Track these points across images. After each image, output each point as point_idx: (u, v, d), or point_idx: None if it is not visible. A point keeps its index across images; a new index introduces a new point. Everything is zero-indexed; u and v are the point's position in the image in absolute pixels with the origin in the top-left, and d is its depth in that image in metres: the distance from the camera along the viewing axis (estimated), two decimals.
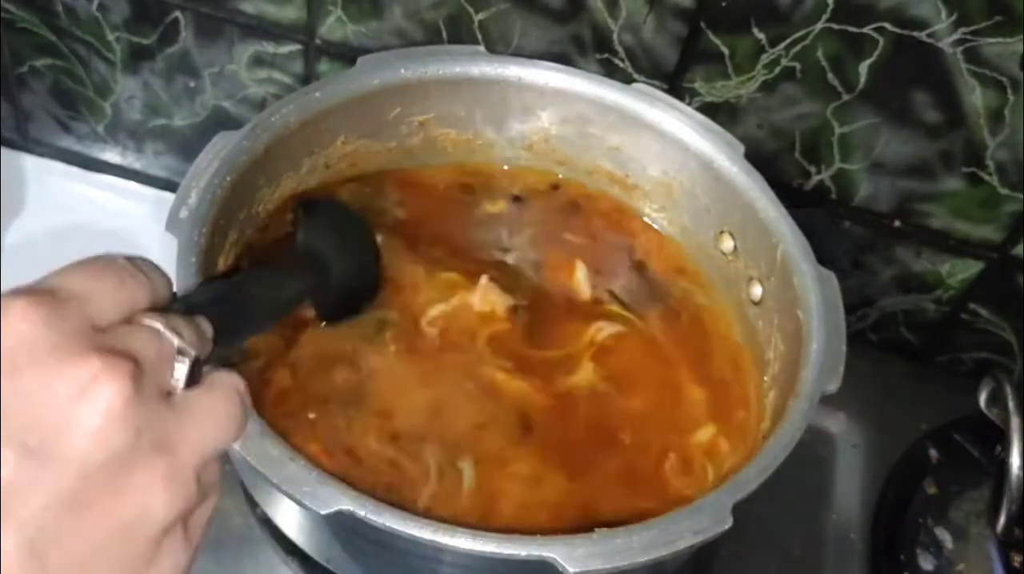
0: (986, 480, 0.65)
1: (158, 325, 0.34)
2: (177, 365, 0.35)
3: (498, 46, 0.68)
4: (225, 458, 0.37)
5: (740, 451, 0.56)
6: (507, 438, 0.55)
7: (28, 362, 0.30)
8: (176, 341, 0.35)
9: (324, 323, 0.57)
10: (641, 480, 0.55)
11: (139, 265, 0.36)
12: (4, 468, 0.29)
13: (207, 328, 0.38)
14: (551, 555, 0.44)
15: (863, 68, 0.63)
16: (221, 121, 0.77)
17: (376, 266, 0.60)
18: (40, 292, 0.32)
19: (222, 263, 0.56)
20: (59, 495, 0.29)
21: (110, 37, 0.74)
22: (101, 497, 0.30)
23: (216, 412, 0.35)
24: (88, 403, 0.30)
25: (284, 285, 0.51)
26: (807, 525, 0.67)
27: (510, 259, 0.64)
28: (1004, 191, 0.66)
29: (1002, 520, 0.62)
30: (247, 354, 0.55)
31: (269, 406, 0.53)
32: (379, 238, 0.61)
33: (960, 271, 0.71)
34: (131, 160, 0.83)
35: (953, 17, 0.59)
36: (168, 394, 0.34)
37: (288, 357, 0.56)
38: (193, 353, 0.35)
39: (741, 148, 0.61)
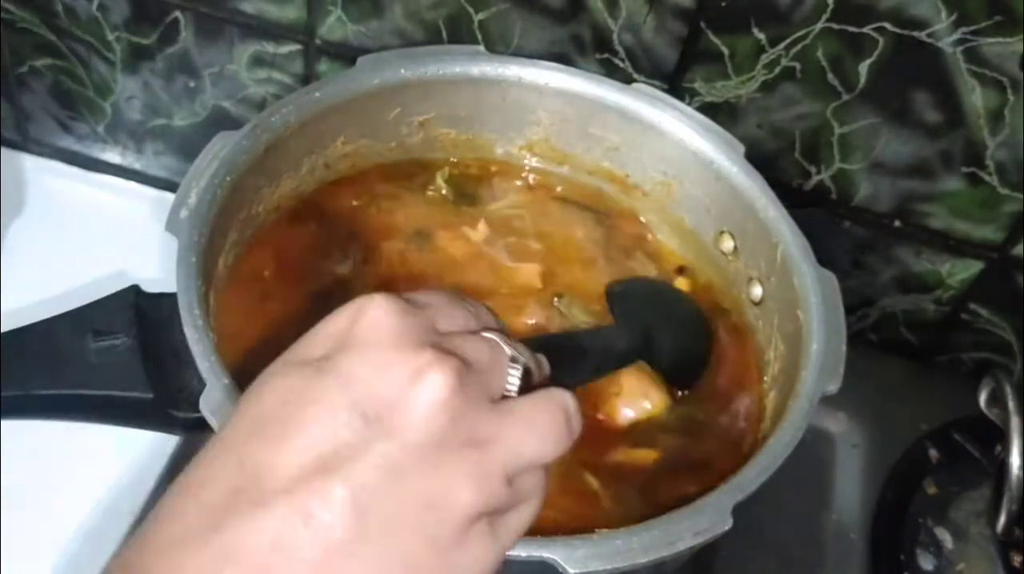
0: (986, 480, 0.65)
1: (495, 337, 0.38)
2: (509, 373, 0.38)
3: (498, 46, 0.67)
4: (547, 470, 0.38)
5: None
6: None
7: (376, 343, 0.35)
8: (509, 350, 0.38)
9: (678, 391, 0.58)
10: None
11: (481, 305, 0.41)
12: (346, 429, 0.33)
13: (544, 361, 0.42)
14: (551, 556, 0.44)
15: (863, 68, 0.63)
16: (221, 121, 0.77)
17: (704, 336, 0.61)
18: (396, 295, 0.37)
19: (222, 263, 0.56)
20: (383, 461, 0.33)
21: (110, 37, 0.74)
22: (416, 471, 0.33)
23: (537, 422, 0.37)
24: (417, 389, 0.34)
25: (610, 342, 0.56)
26: (807, 525, 0.67)
27: None
28: (1004, 191, 0.66)
29: (1002, 520, 0.62)
30: None
31: None
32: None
33: (960, 271, 0.71)
34: (131, 160, 0.83)
35: (953, 17, 0.59)
36: (496, 399, 0.37)
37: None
38: (524, 361, 0.38)
39: (741, 148, 0.61)
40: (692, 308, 0.62)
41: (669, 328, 0.61)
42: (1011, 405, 0.61)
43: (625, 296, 0.61)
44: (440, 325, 0.37)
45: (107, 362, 0.52)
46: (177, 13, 0.71)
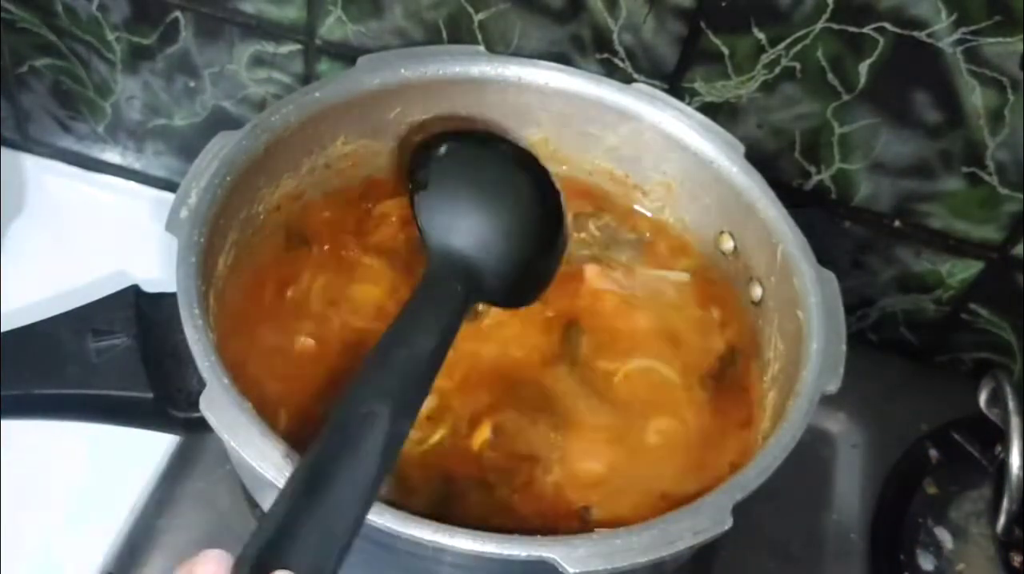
0: (986, 480, 0.65)
1: None
2: None
3: (498, 46, 0.67)
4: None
5: None
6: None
7: None
8: None
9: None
10: None
11: None
12: None
13: None
14: (551, 555, 0.44)
15: (863, 68, 0.63)
16: (221, 121, 0.77)
17: (553, 213, 0.51)
18: None
19: (222, 263, 0.56)
20: None
21: (110, 37, 0.74)
22: None
23: None
24: None
25: (422, 334, 0.45)
26: (807, 525, 0.67)
27: None
28: (1004, 191, 0.66)
29: (1002, 520, 0.62)
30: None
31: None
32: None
33: (960, 271, 0.71)
34: (131, 160, 0.83)
35: (953, 17, 0.59)
36: None
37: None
38: None
39: (741, 148, 0.61)
40: (534, 184, 0.52)
41: (503, 224, 0.50)
42: (1011, 405, 0.61)
43: (442, 179, 0.50)
44: None
45: (107, 362, 0.52)
46: (177, 13, 0.71)
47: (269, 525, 0.38)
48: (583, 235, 0.64)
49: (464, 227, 0.52)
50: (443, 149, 0.55)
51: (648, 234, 0.65)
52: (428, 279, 0.50)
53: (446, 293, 0.48)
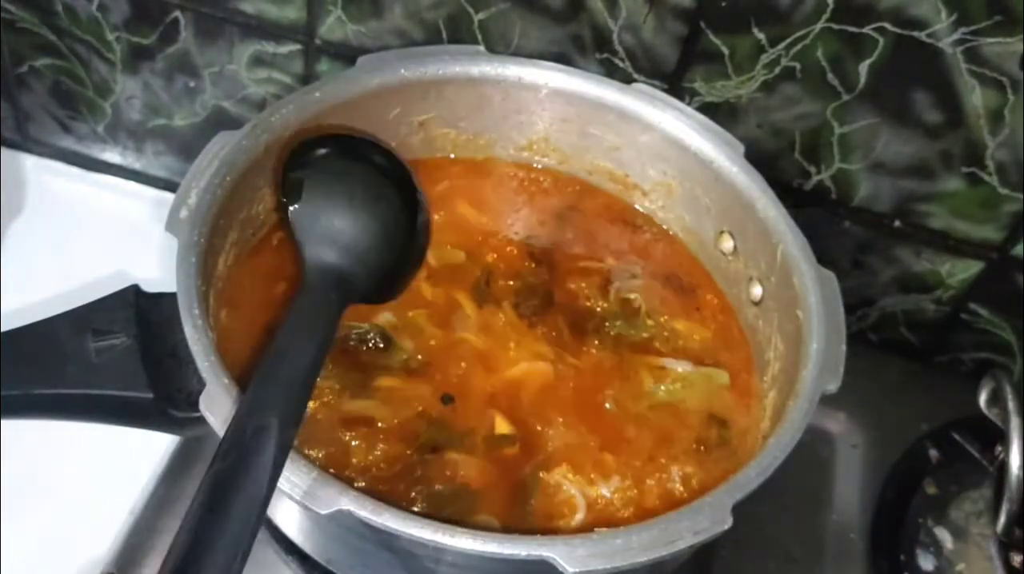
0: (986, 480, 0.65)
1: None
2: None
3: (498, 46, 0.68)
4: None
5: None
6: None
7: None
8: None
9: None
10: None
11: None
12: None
13: None
14: (551, 555, 0.44)
15: (863, 68, 0.63)
16: (221, 121, 0.77)
17: (416, 217, 0.55)
18: None
19: (222, 263, 0.56)
20: None
21: (110, 37, 0.74)
22: None
23: None
24: None
25: (306, 338, 0.49)
26: (807, 525, 0.67)
27: None
28: (1004, 191, 0.66)
29: (1002, 520, 0.62)
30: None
31: None
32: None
33: (960, 271, 0.71)
34: (131, 160, 0.83)
35: (953, 17, 0.59)
36: None
37: None
38: None
39: (741, 148, 0.61)
40: (397, 184, 0.56)
41: (372, 229, 0.55)
42: (1011, 405, 0.61)
43: (313, 192, 0.54)
44: None
45: (107, 362, 0.52)
46: (177, 13, 0.71)
47: (183, 540, 0.41)
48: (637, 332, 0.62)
49: (337, 238, 0.55)
50: (312, 161, 0.57)
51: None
52: (306, 291, 0.53)
53: (323, 305, 0.52)
